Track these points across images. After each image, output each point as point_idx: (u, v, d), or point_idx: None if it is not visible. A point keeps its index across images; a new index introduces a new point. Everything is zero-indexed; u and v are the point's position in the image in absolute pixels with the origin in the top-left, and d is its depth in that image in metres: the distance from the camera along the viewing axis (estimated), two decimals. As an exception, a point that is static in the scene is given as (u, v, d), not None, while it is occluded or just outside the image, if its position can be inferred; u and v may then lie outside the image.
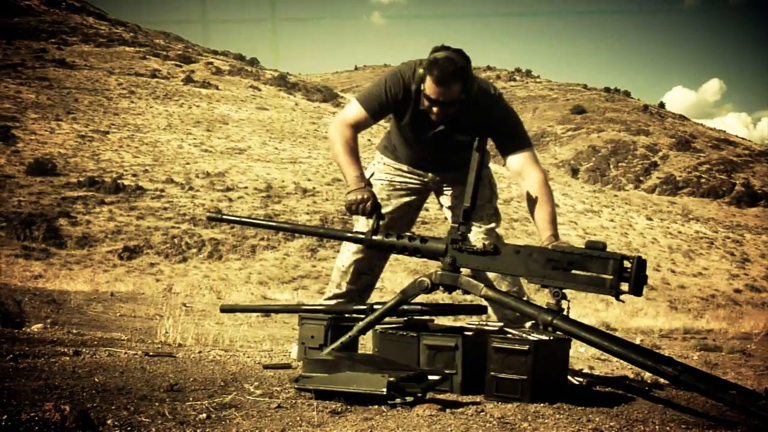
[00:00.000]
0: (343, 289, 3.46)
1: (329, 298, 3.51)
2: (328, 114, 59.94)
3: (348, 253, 3.45)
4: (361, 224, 3.40)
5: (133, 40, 76.66)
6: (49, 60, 60.91)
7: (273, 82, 71.22)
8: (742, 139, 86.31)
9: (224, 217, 3.31)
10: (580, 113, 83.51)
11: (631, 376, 3.54)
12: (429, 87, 2.85)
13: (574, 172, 70.53)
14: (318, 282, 22.11)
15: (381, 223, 2.89)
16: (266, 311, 3.67)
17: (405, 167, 3.44)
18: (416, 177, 3.44)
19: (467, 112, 2.96)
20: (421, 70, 2.91)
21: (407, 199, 3.46)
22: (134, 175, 31.50)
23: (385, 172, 3.46)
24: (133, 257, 23.78)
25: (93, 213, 26.55)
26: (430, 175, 3.42)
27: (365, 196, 2.88)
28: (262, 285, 20.50)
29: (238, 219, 3.30)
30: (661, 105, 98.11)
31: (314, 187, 33.04)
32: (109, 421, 1.75)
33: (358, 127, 3.12)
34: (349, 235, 2.97)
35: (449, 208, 3.44)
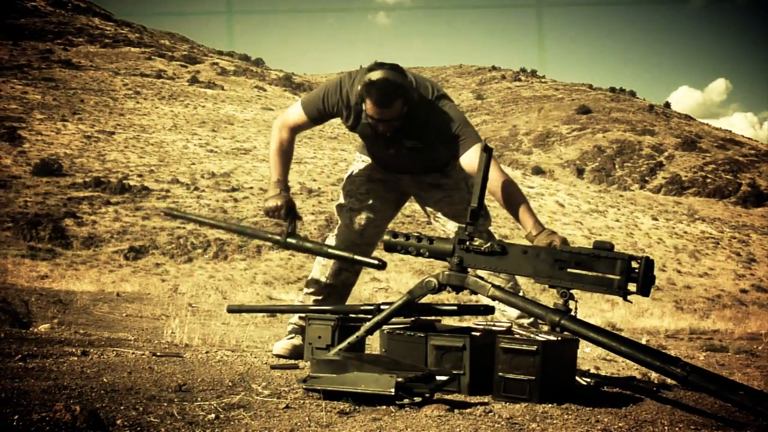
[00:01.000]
0: (323, 284, 3.50)
1: (309, 294, 3.54)
2: (333, 114, 59.86)
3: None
4: (344, 218, 3.48)
5: (138, 41, 76.82)
6: (55, 61, 61.09)
7: (278, 82, 71.30)
8: (748, 139, 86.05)
9: (176, 213, 3.56)
10: (586, 113, 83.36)
11: (638, 376, 3.54)
12: (370, 108, 2.88)
13: (580, 172, 70.41)
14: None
15: (367, 220, 3.13)
16: (273, 311, 3.69)
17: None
18: (390, 175, 3.47)
19: (411, 118, 2.97)
20: (358, 87, 2.91)
21: (385, 194, 3.49)
22: (140, 176, 31.56)
23: (364, 169, 3.51)
24: (139, 257, 23.82)
25: (99, 213, 26.60)
26: (399, 176, 3.45)
27: (279, 203, 3.08)
28: (267, 285, 20.51)
29: (195, 218, 3.59)
30: (667, 105, 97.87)
31: (319, 188, 33.05)
32: (118, 421, 1.76)
33: (297, 129, 3.25)
34: (269, 235, 3.17)
35: (430, 213, 3.48)
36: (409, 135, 3.07)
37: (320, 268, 3.50)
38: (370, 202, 3.44)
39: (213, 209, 27.98)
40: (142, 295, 10.51)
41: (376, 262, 2.97)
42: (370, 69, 2.87)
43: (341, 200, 3.51)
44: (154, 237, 25.30)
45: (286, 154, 3.23)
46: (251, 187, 32.10)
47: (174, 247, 24.78)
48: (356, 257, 3.02)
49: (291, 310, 3.54)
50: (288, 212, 3.08)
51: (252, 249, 25.46)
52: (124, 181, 29.83)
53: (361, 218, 3.43)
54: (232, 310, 3.49)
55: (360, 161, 3.54)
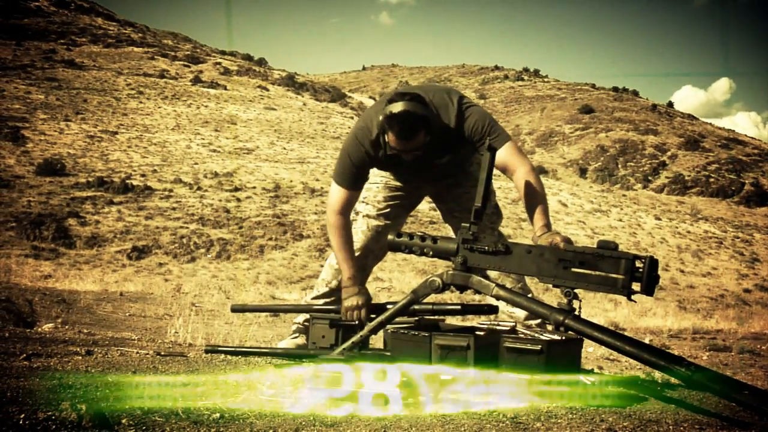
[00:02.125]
0: (333, 286, 3.46)
1: (317, 297, 3.50)
2: (336, 114, 60.00)
3: None
4: (361, 225, 3.43)
5: (141, 41, 76.88)
6: (58, 61, 61.16)
7: (281, 82, 71.29)
8: (752, 138, 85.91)
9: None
10: (588, 113, 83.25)
11: (642, 376, 3.54)
12: (393, 141, 2.84)
13: (583, 172, 70.33)
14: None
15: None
16: (276, 311, 3.66)
17: None
18: (409, 183, 3.44)
19: (438, 139, 2.93)
20: (380, 118, 2.86)
21: (402, 201, 3.46)
22: (143, 176, 31.59)
23: (380, 176, 3.46)
24: (142, 257, 23.84)
25: (102, 213, 26.64)
26: (420, 183, 3.42)
27: (360, 303, 3.01)
28: (270, 285, 20.52)
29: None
30: (670, 104, 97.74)
31: (322, 187, 33.04)
32: (123, 420, 1.76)
33: (347, 207, 3.14)
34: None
35: (448, 210, 3.44)
36: (439, 154, 3.06)
37: (331, 272, 3.48)
38: (388, 210, 3.41)
39: (216, 209, 28.00)
40: (146, 295, 10.52)
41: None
42: (391, 100, 2.83)
43: (357, 206, 3.45)
44: (157, 237, 25.33)
45: (348, 243, 3.13)
46: (254, 187, 32.13)
47: (177, 247, 24.79)
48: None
49: (295, 309, 3.53)
50: (368, 312, 3.00)
51: (255, 249, 25.47)
52: (127, 181, 29.86)
53: (378, 225, 3.40)
54: (236, 309, 3.49)
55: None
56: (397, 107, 2.76)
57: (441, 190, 3.42)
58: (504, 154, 2.93)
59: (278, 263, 24.59)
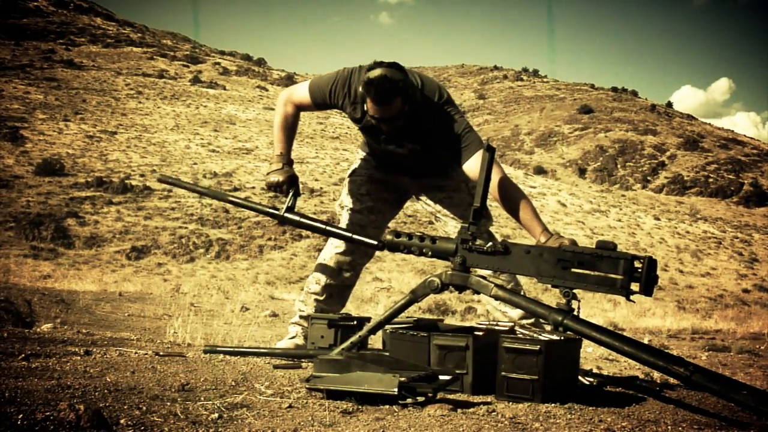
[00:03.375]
0: (323, 284, 3.45)
1: (309, 292, 3.49)
2: (335, 114, 59.95)
3: (331, 248, 3.47)
4: (345, 218, 3.45)
5: (140, 41, 76.88)
6: (57, 61, 61.16)
7: (280, 82, 71.32)
8: (751, 138, 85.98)
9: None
10: (588, 113, 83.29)
11: (641, 376, 3.54)
12: (370, 107, 2.86)
13: (582, 172, 70.37)
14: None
15: (363, 212, 3.14)
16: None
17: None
18: (392, 175, 3.45)
19: (414, 120, 2.95)
20: (360, 89, 2.88)
21: (385, 194, 3.48)
22: (142, 176, 31.58)
23: (365, 168, 3.48)
24: (141, 257, 23.84)
25: (101, 213, 26.63)
26: (400, 177, 3.43)
27: (282, 178, 3.08)
28: (269, 285, 20.52)
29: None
30: (669, 104, 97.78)
31: (321, 187, 33.06)
32: (122, 421, 1.76)
33: (301, 108, 3.23)
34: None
35: (431, 214, 3.45)
36: (411, 138, 3.06)
37: (321, 268, 3.49)
38: (371, 203, 3.43)
39: (215, 209, 28.00)
40: (145, 295, 10.52)
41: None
42: (369, 68, 2.85)
43: (342, 199, 3.50)
44: (156, 237, 25.32)
45: (290, 128, 3.23)
46: (253, 187, 32.12)
47: (176, 247, 24.79)
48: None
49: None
50: (290, 187, 3.08)
51: (254, 249, 25.47)
52: (126, 181, 29.86)
53: (362, 218, 3.42)
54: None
55: (361, 159, 3.52)
56: (375, 72, 2.79)
57: (423, 192, 3.44)
58: (476, 162, 2.88)
59: (277, 263, 24.60)
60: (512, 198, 2.85)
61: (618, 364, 5.51)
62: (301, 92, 3.20)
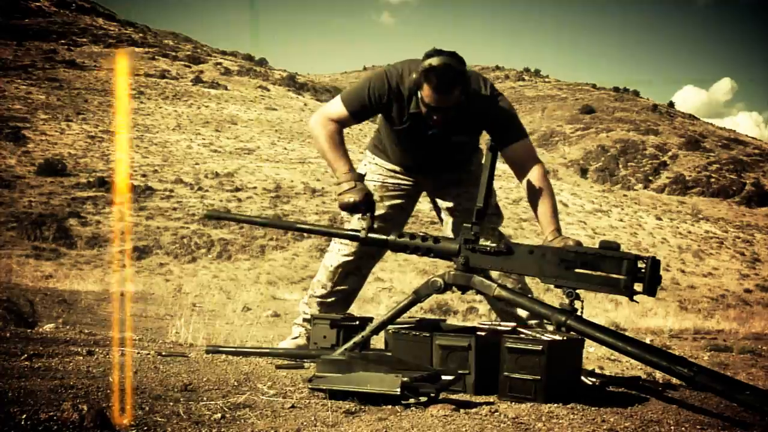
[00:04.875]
0: (328, 289, 3.42)
1: (313, 297, 3.46)
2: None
3: (337, 252, 3.40)
4: (354, 222, 3.36)
5: (142, 41, 76.92)
6: (59, 61, 61.23)
7: (282, 82, 71.33)
8: (753, 138, 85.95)
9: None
10: (589, 113, 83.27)
11: (644, 376, 3.54)
12: (428, 95, 2.77)
13: (583, 172, 70.35)
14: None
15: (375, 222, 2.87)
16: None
17: (397, 168, 3.38)
18: (408, 178, 3.38)
19: (463, 113, 2.90)
20: (414, 76, 2.82)
21: (399, 201, 3.41)
22: (143, 176, 31.60)
23: (377, 173, 3.40)
24: (143, 257, 23.85)
25: (103, 213, 26.65)
26: (421, 177, 3.37)
27: (358, 198, 2.86)
28: (271, 285, 20.52)
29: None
30: (671, 104, 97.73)
31: (323, 187, 33.06)
32: (125, 421, 1.76)
33: (342, 124, 3.06)
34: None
35: (448, 209, 3.37)
36: (459, 130, 3.00)
37: (326, 273, 3.43)
38: (383, 211, 3.35)
39: (217, 209, 28.00)
40: (147, 295, 10.53)
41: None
42: (429, 55, 2.77)
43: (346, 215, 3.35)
44: (158, 237, 25.34)
45: (340, 145, 3.02)
46: (254, 187, 32.14)
47: (178, 247, 24.81)
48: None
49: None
50: (368, 207, 2.87)
51: (256, 249, 25.48)
52: (128, 181, 29.87)
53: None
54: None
55: (372, 164, 3.43)
56: (437, 60, 2.72)
57: (439, 189, 3.39)
58: (519, 151, 2.93)
59: (279, 263, 24.60)
60: (536, 191, 2.87)
61: (620, 364, 5.50)
62: (334, 108, 3.05)
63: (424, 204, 3.87)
